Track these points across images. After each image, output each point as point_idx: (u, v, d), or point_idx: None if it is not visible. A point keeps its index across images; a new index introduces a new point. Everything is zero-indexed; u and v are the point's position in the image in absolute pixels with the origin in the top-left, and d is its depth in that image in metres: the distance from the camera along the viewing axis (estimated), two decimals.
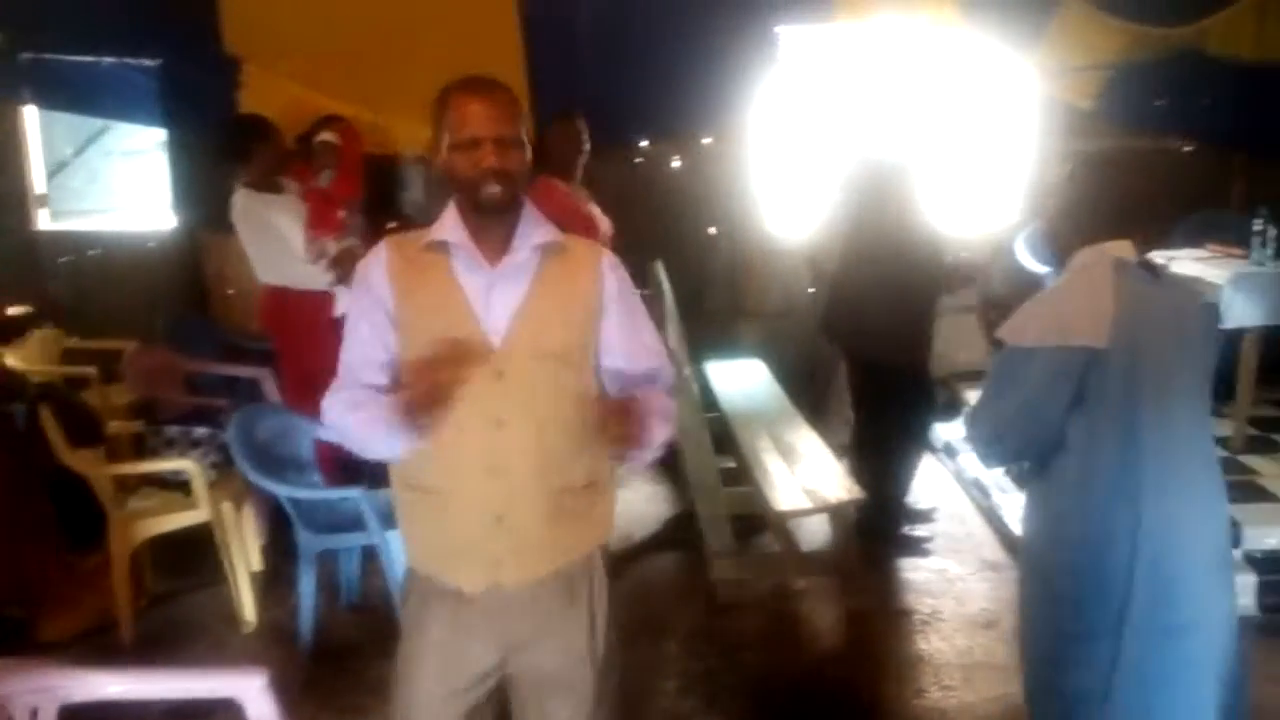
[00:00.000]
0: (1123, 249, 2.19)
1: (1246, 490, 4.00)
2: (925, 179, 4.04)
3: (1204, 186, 5.51)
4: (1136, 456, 2.06)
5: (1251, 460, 4.21)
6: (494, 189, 1.75)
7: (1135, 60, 4.96)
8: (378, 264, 1.85)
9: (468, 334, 1.76)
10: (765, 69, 5.20)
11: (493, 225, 1.81)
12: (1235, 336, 4.30)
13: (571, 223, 3.21)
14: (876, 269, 3.89)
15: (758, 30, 5.08)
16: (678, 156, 5.53)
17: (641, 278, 4.86)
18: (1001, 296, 5.64)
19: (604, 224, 3.84)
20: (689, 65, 4.93)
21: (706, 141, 5.51)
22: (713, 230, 5.58)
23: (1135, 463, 2.06)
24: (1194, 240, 4.98)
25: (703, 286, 5.58)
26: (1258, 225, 4.34)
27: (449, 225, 1.82)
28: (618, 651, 2.00)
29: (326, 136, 4.22)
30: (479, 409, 1.75)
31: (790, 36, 5.26)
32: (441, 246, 1.82)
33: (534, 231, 1.84)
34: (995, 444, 2.23)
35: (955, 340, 5.51)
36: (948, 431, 5.15)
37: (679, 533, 4.29)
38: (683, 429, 3.55)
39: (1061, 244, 2.29)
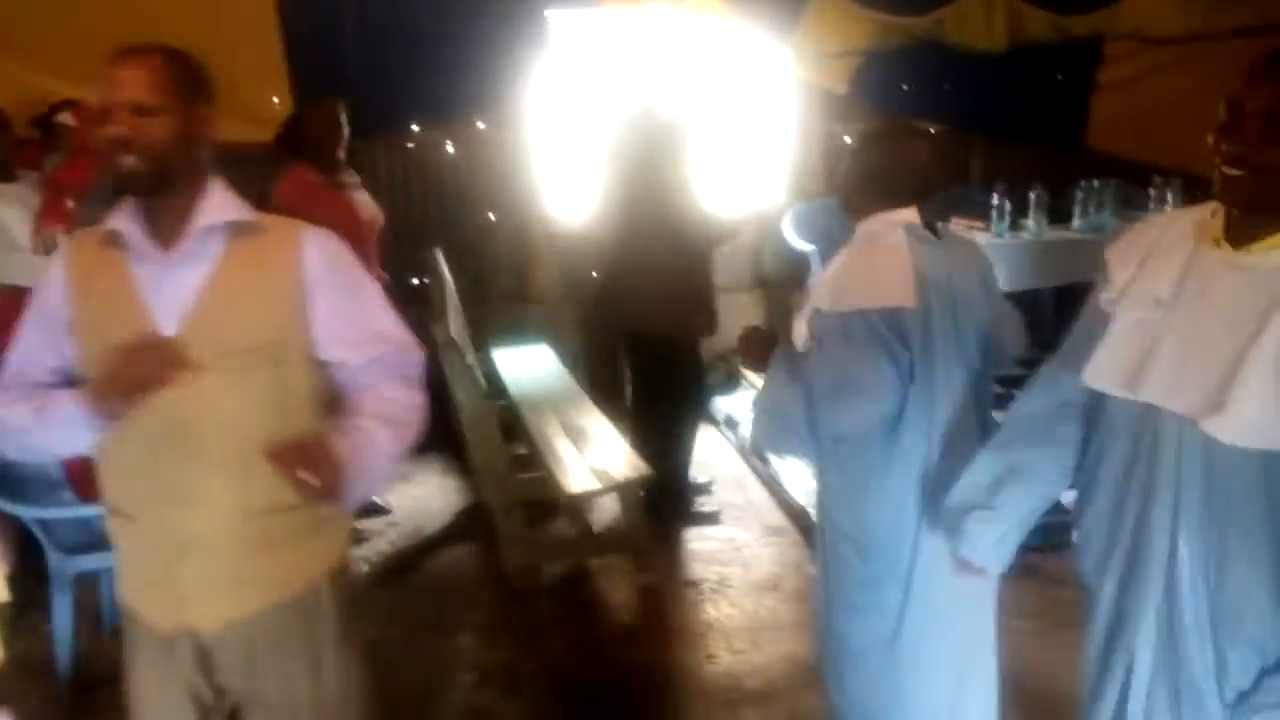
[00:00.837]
0: (911, 215, 2.27)
1: None
2: (697, 137, 4.12)
3: (950, 165, 5.93)
4: (932, 407, 2.17)
5: (1001, 416, 4.60)
6: (128, 161, 1.52)
7: (883, 47, 5.27)
8: (56, 267, 1.66)
9: (138, 333, 1.54)
10: (537, 53, 5.20)
11: (163, 208, 1.58)
12: None
13: (324, 211, 3.10)
14: (648, 238, 3.94)
15: (528, 14, 5.07)
16: (452, 142, 5.44)
17: (419, 266, 4.79)
18: (772, 276, 5.93)
19: (370, 211, 3.72)
20: (459, 48, 4.86)
21: (481, 126, 5.45)
22: (492, 216, 5.53)
23: (932, 413, 2.17)
24: (942, 215, 5.34)
25: (486, 273, 5.53)
26: (995, 200, 4.72)
27: (121, 212, 1.61)
28: (358, 682, 1.83)
29: (62, 119, 3.90)
30: (157, 419, 1.53)
31: (560, 20, 5.28)
32: (114, 237, 1.61)
33: (215, 212, 1.61)
34: (834, 407, 2.16)
35: (733, 316, 5.71)
36: (729, 404, 5.33)
37: (471, 524, 4.25)
38: (469, 418, 3.51)
39: (855, 211, 2.34)
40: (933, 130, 5.73)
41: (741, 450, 5.02)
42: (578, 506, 3.90)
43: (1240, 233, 1.45)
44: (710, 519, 4.31)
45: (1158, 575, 1.52)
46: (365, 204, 3.75)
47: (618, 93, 5.22)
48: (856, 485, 2.27)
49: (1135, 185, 4.88)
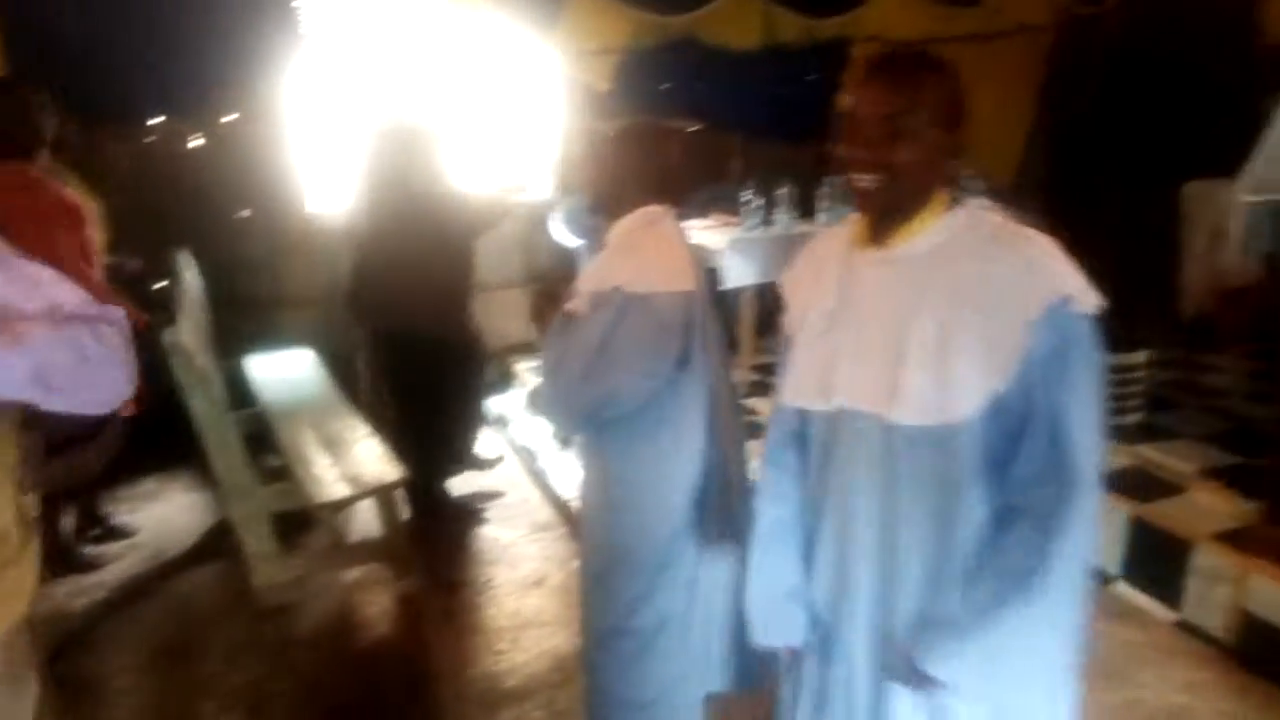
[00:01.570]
0: (662, 214, 2.26)
1: (750, 428, 4.52)
2: (449, 142, 4.05)
3: (709, 163, 6.11)
4: (705, 395, 2.19)
5: (753, 402, 4.77)
6: None
7: (642, 46, 5.36)
8: None
9: None
10: (289, 42, 4.99)
11: None
12: (735, 295, 4.85)
13: (18, 207, 2.87)
14: (403, 239, 3.84)
15: (275, 4, 4.86)
16: (198, 135, 5.14)
17: (160, 268, 4.50)
18: (544, 271, 5.94)
19: (84, 207, 3.44)
20: (202, 36, 4.61)
21: (231, 118, 5.18)
22: (246, 213, 5.27)
23: (705, 402, 2.19)
24: (701, 211, 5.52)
25: (239, 274, 5.26)
26: (747, 196, 4.89)
27: None
28: None
29: None
30: None
31: (313, 8, 5.09)
32: None
33: None
34: (606, 400, 2.13)
35: (504, 313, 5.68)
36: (499, 403, 5.30)
37: (219, 541, 4.02)
38: (205, 428, 3.32)
39: (607, 210, 2.30)
40: (692, 129, 5.93)
41: (512, 447, 5.00)
42: (332, 516, 3.77)
43: (881, 232, 1.57)
44: (473, 517, 4.30)
45: (866, 564, 1.64)
46: (78, 199, 3.44)
47: (377, 84, 5.08)
48: (628, 480, 2.26)
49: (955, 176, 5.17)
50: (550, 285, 2.39)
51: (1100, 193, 6.37)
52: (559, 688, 3.16)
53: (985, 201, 1.62)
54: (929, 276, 1.51)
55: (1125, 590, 3.61)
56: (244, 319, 5.06)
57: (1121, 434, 4.12)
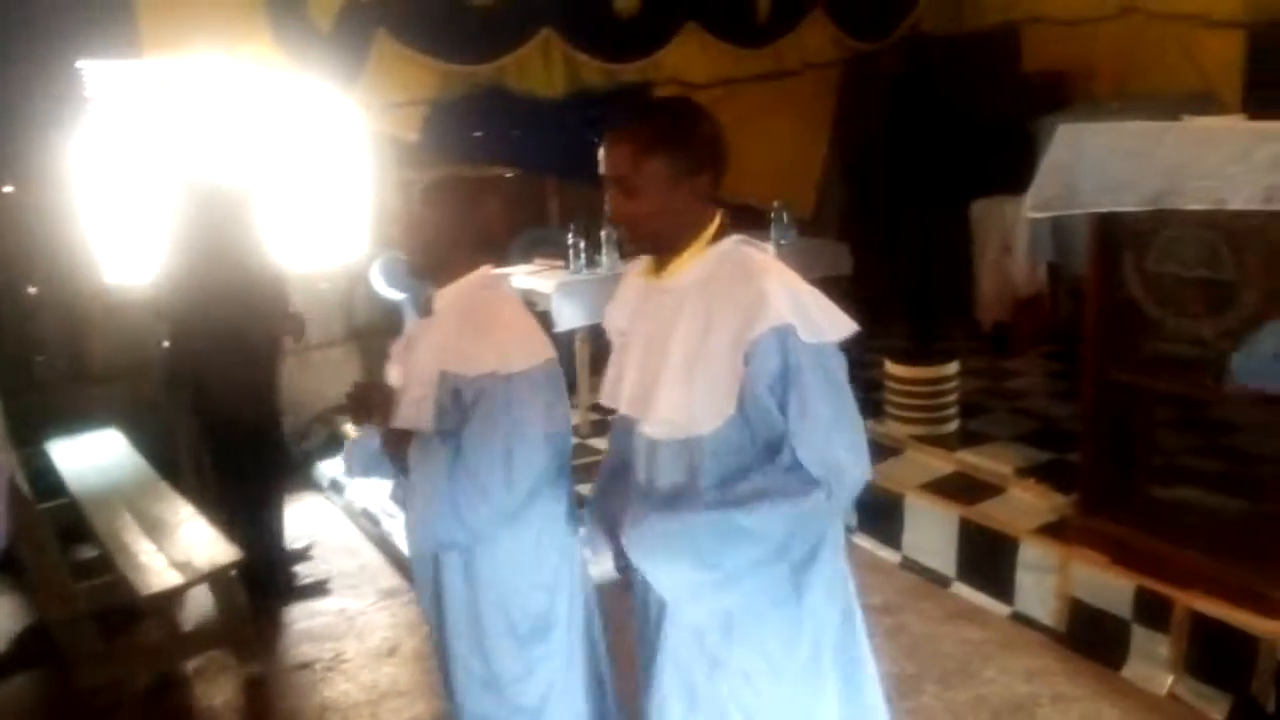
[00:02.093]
0: (489, 272, 2.17)
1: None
2: (264, 205, 3.92)
3: (528, 207, 6.14)
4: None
5: (595, 442, 4.79)
6: None
7: (449, 96, 5.33)
8: None
9: None
10: (72, 108, 4.70)
11: None
12: (569, 338, 4.86)
13: None
14: (219, 306, 3.66)
15: (58, 66, 4.58)
16: None
17: None
18: (364, 327, 5.79)
19: None
20: None
21: (9, 190, 4.81)
22: (33, 290, 4.89)
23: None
24: (525, 256, 5.53)
25: (32, 355, 4.88)
26: (571, 239, 4.93)
27: None
28: None
29: None
30: None
31: (97, 73, 4.82)
32: None
33: None
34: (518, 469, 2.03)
35: (325, 373, 5.50)
36: (331, 468, 5.11)
37: (36, 646, 3.68)
38: (19, 527, 3.05)
39: (432, 271, 2.16)
40: (506, 175, 5.95)
41: (349, 513, 4.83)
42: (162, 606, 3.52)
43: (658, 264, 1.80)
44: (317, 590, 4.10)
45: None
46: None
47: (172, 150, 4.84)
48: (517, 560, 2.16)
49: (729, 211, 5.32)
50: (365, 386, 2.24)
51: (897, 215, 6.79)
52: None
53: (744, 236, 1.73)
54: (685, 306, 1.71)
55: (962, 590, 3.82)
56: (41, 402, 4.69)
57: (941, 442, 4.37)
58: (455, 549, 2.13)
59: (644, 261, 1.86)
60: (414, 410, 2.14)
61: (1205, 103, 4.57)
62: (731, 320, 1.63)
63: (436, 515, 2.06)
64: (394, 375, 2.26)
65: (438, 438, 2.09)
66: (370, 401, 2.20)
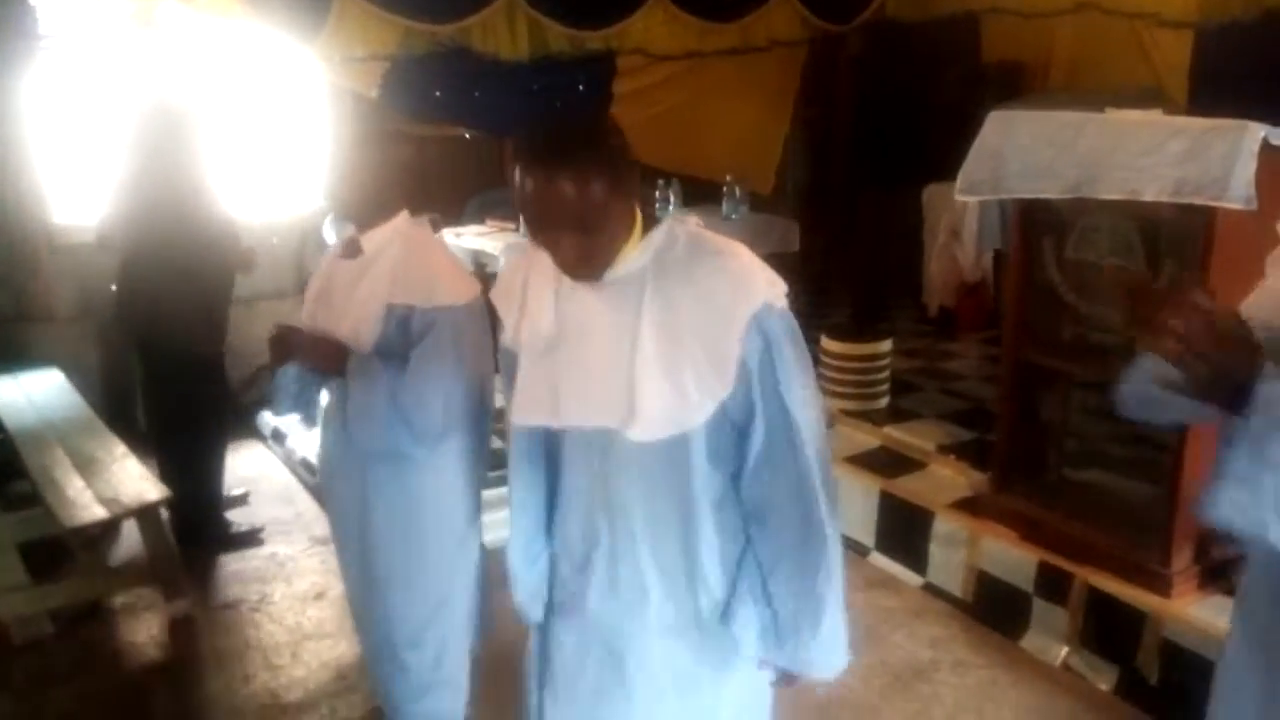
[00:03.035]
0: (406, 220, 2.38)
1: None
2: (215, 131, 3.93)
3: (485, 169, 6.16)
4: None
5: None
6: None
7: (411, 52, 5.32)
8: None
9: None
10: (24, 46, 4.68)
11: None
12: None
13: None
14: (168, 242, 3.68)
15: (8, 4, 4.56)
16: None
17: None
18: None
19: None
20: None
21: None
22: None
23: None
24: (478, 217, 5.57)
25: None
26: None
27: None
28: None
29: None
30: None
31: (51, 11, 4.79)
32: None
33: None
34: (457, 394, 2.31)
35: (266, 326, 5.51)
36: (275, 417, 5.15)
37: None
38: None
39: (358, 217, 2.35)
40: (454, 134, 5.96)
41: (288, 462, 4.87)
42: (89, 541, 3.57)
43: None
44: (249, 539, 4.14)
45: (601, 564, 1.71)
46: None
47: (126, 89, 4.83)
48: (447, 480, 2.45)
49: (645, 187, 5.37)
50: (285, 329, 2.42)
51: (855, 196, 6.87)
52: (340, 696, 3.13)
53: (677, 215, 1.67)
54: (642, 296, 1.57)
55: (879, 560, 3.93)
56: None
57: (870, 417, 4.47)
58: (393, 456, 2.36)
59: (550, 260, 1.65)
60: (353, 336, 2.35)
61: (1154, 98, 4.66)
62: (712, 298, 1.56)
63: (381, 424, 2.29)
64: (309, 313, 2.41)
65: (377, 358, 2.32)
66: (289, 343, 2.40)
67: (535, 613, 1.84)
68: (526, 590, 1.83)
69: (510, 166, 1.58)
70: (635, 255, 1.58)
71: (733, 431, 1.62)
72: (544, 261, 1.63)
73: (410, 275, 2.31)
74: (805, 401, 1.62)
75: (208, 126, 3.88)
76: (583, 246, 1.51)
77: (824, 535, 1.62)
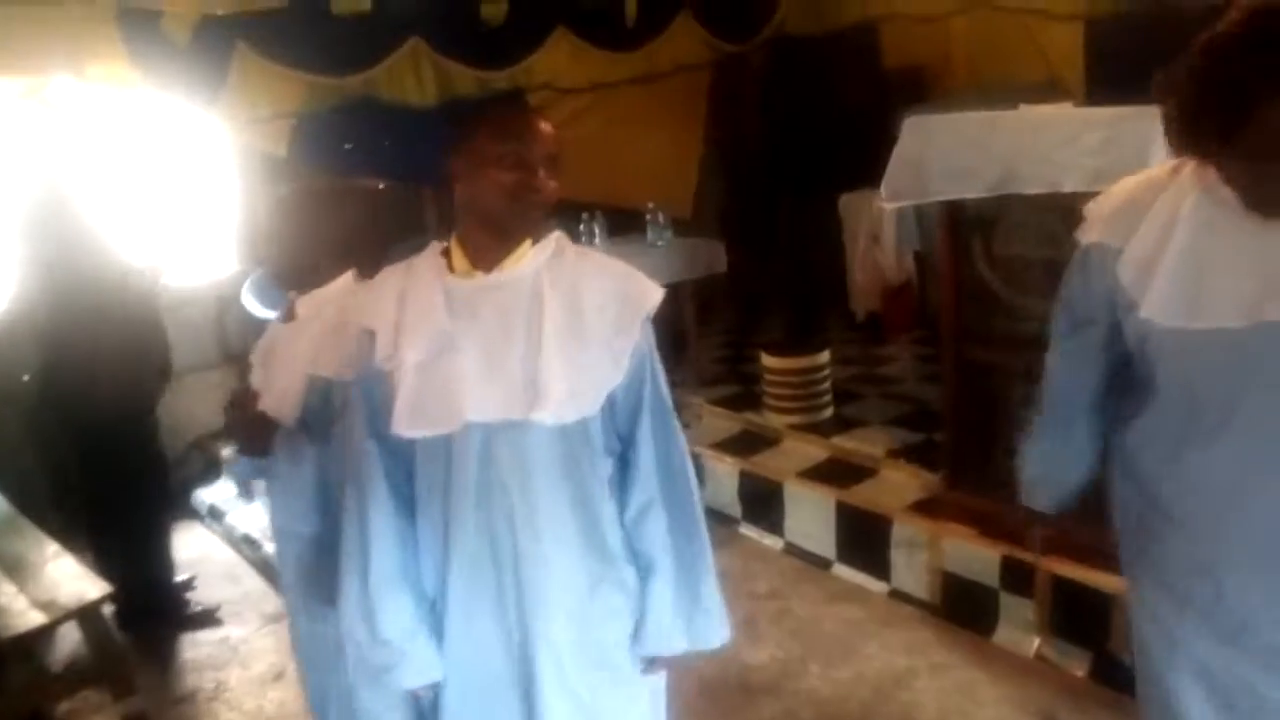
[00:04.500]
0: (350, 280, 2.28)
1: None
2: (114, 202, 3.81)
3: (405, 217, 6.07)
4: None
5: None
6: None
7: (318, 107, 5.26)
8: None
9: None
10: None
11: None
12: None
13: None
14: (83, 316, 3.55)
15: None
16: None
17: None
18: (239, 349, 5.64)
19: None
20: None
21: None
22: None
23: None
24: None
25: None
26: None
27: None
28: None
29: None
30: None
31: None
32: None
33: None
34: None
35: (203, 397, 5.34)
36: (211, 494, 4.98)
37: None
38: None
39: (294, 279, 2.27)
40: (375, 185, 5.87)
41: (229, 539, 4.71)
42: (28, 649, 3.38)
43: (485, 259, 1.71)
44: (208, 618, 4.00)
45: (508, 567, 1.72)
46: None
47: (15, 171, 4.65)
48: None
49: (568, 222, 5.33)
50: (239, 396, 2.29)
51: (773, 211, 6.94)
52: None
53: (560, 232, 1.78)
54: (543, 293, 1.69)
55: (842, 571, 3.93)
56: None
57: (816, 429, 4.48)
58: (308, 537, 2.24)
59: (431, 263, 1.74)
60: (278, 406, 2.24)
61: (1051, 91, 4.80)
62: (608, 295, 1.71)
63: (303, 509, 2.22)
64: (256, 381, 2.33)
65: (304, 435, 2.21)
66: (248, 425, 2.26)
67: (434, 668, 1.78)
68: (420, 639, 1.76)
69: (484, 136, 1.67)
70: (530, 256, 1.71)
71: (614, 419, 1.76)
72: (424, 267, 1.74)
73: (335, 345, 2.15)
74: (668, 393, 1.82)
75: (103, 199, 3.77)
76: (551, 189, 1.67)
77: (697, 508, 1.83)
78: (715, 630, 1.86)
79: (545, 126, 1.69)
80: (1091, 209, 1.71)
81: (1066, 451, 1.89)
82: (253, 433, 2.25)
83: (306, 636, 2.39)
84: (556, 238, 1.75)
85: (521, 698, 1.76)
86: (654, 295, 1.75)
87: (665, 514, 1.79)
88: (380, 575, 1.74)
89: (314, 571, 2.30)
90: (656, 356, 1.79)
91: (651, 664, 1.86)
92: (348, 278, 2.30)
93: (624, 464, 1.79)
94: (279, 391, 2.26)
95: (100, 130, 4.98)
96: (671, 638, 1.81)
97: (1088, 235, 1.69)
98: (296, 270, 2.28)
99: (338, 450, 2.11)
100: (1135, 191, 1.66)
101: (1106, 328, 1.70)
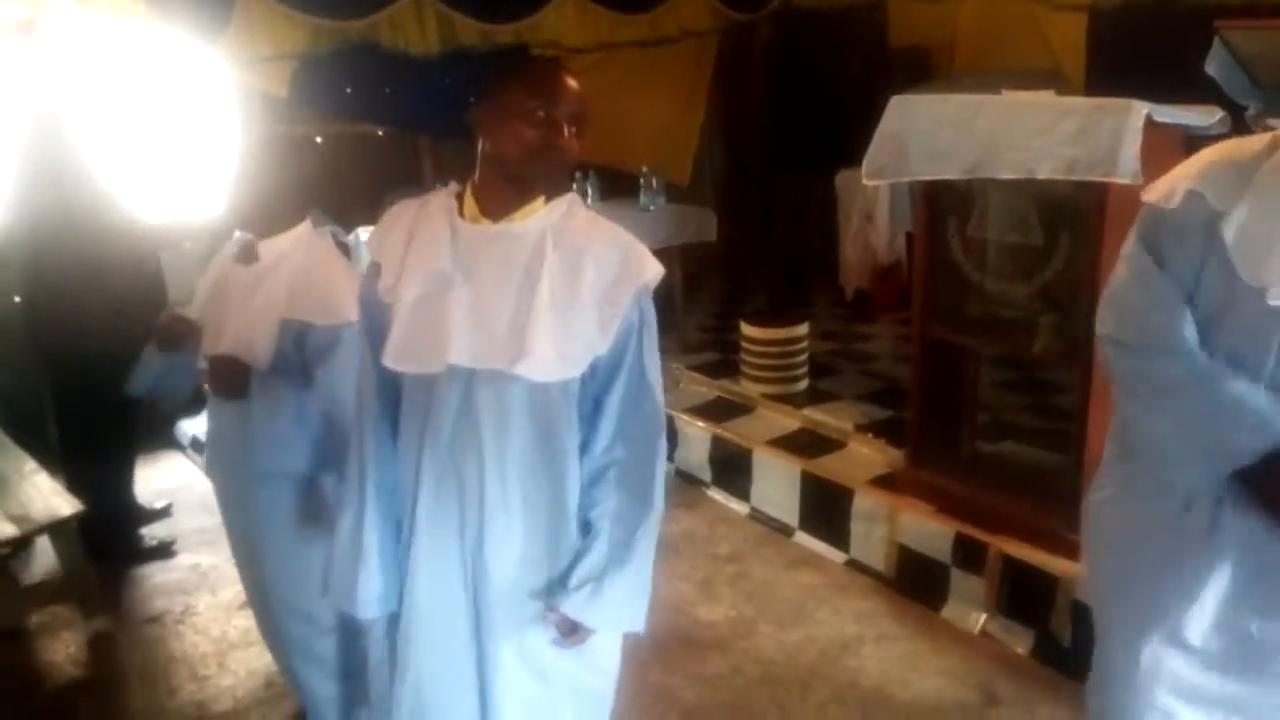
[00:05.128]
0: (308, 230, 2.38)
1: None
2: (110, 134, 3.84)
3: (400, 165, 6.11)
4: None
5: None
6: None
7: (320, 51, 5.26)
8: None
9: None
10: None
11: None
12: None
13: None
14: (69, 247, 3.60)
15: None
16: None
17: None
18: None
19: None
20: None
21: None
22: None
23: None
24: None
25: None
26: None
27: None
28: None
29: None
30: None
31: None
32: None
33: None
34: None
35: None
36: (194, 425, 5.05)
37: None
38: None
39: (256, 226, 2.35)
40: (379, 132, 5.91)
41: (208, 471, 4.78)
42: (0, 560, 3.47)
43: (497, 208, 1.72)
44: (163, 552, 4.06)
45: (472, 506, 1.75)
46: None
47: (11, 99, 4.68)
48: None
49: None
50: (172, 317, 2.42)
51: (772, 183, 6.96)
52: (270, 704, 3.10)
53: (575, 196, 1.80)
54: (545, 251, 1.69)
55: (803, 539, 4.01)
56: None
57: (789, 399, 4.55)
58: (295, 479, 2.36)
59: (445, 204, 1.75)
60: (246, 350, 2.31)
61: (1052, 80, 4.80)
62: (608, 264, 1.70)
63: (288, 447, 2.29)
64: (197, 308, 2.39)
65: (277, 375, 2.28)
66: (178, 335, 2.43)
67: (390, 599, 1.85)
68: (384, 568, 1.83)
69: (514, 88, 1.65)
70: (542, 212, 1.71)
71: (591, 388, 1.76)
72: (436, 208, 1.74)
73: (312, 289, 2.29)
74: (658, 379, 1.80)
75: (100, 130, 3.80)
76: (572, 147, 1.67)
77: (652, 497, 1.79)
78: (630, 617, 1.82)
79: (574, 85, 1.68)
80: (1176, 170, 1.71)
81: None
82: (228, 377, 2.32)
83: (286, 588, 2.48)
84: (570, 199, 1.76)
85: (471, 629, 1.81)
86: (653, 270, 1.74)
87: (620, 487, 1.78)
88: (373, 503, 1.83)
89: (306, 510, 2.40)
90: (651, 333, 1.77)
91: (568, 626, 1.80)
92: (305, 225, 2.37)
93: (592, 427, 1.79)
94: (242, 335, 2.32)
95: (99, 60, 4.99)
96: (585, 610, 1.76)
97: (1183, 184, 1.67)
98: (265, 216, 2.35)
99: (324, 391, 2.24)
100: (1234, 154, 1.66)
101: (1191, 284, 1.68)
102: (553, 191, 1.73)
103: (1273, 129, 1.67)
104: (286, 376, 2.29)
